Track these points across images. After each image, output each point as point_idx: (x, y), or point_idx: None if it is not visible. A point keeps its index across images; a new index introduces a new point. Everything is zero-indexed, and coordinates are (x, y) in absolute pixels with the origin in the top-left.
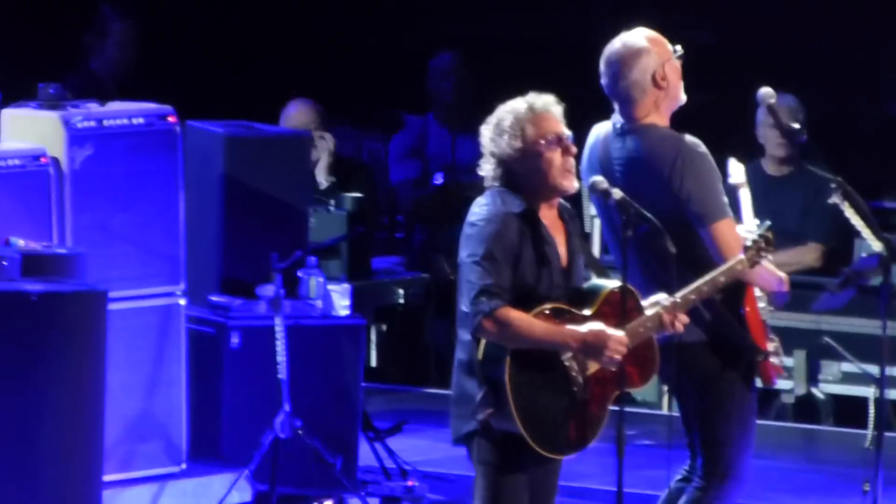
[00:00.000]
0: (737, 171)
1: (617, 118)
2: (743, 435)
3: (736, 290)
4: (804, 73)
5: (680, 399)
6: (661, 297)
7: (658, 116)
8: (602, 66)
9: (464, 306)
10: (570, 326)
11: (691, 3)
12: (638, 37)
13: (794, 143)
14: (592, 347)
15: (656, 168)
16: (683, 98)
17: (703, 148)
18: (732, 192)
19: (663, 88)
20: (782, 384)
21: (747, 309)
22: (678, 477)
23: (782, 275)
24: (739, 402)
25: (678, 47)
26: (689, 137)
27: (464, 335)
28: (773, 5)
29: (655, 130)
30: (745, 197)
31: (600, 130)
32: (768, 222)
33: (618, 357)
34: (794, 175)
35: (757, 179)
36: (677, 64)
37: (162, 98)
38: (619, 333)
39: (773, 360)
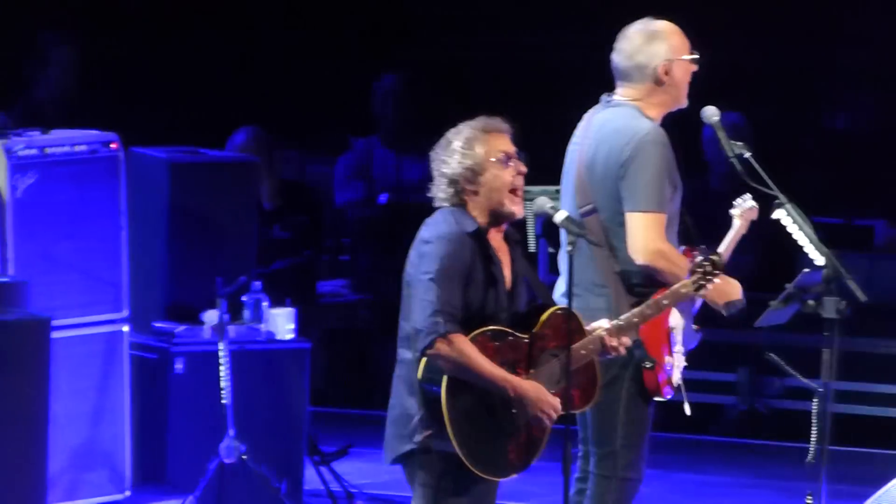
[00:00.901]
0: (742, 204)
1: (610, 95)
2: (634, 436)
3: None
4: (747, 90)
5: None
6: (604, 321)
7: (649, 106)
8: (617, 42)
9: (416, 323)
10: (509, 359)
11: (630, 19)
12: (660, 24)
13: (738, 160)
14: (528, 404)
15: (615, 142)
16: (684, 102)
17: (663, 140)
18: (730, 220)
19: (664, 83)
20: (725, 399)
21: None
22: (577, 475)
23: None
24: (629, 404)
25: (695, 52)
26: (657, 127)
27: (405, 353)
28: (714, 22)
29: (634, 110)
30: (735, 228)
31: (597, 106)
32: (719, 248)
33: (547, 422)
34: (739, 191)
35: (702, 196)
36: (689, 67)
37: (105, 125)
38: (555, 400)
39: (671, 373)
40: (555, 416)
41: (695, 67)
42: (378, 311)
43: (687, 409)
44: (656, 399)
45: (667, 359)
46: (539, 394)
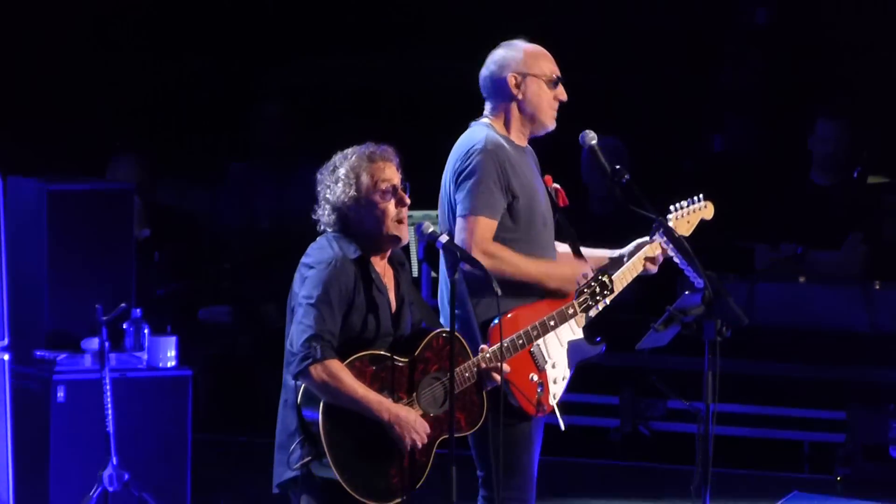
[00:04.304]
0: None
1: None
2: (512, 456)
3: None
4: (626, 113)
5: None
6: (485, 346)
7: (505, 125)
8: None
9: (292, 347)
10: (389, 384)
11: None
12: (520, 41)
13: (617, 184)
14: (400, 428)
15: (452, 160)
16: (549, 125)
17: (493, 147)
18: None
19: (516, 98)
20: (608, 422)
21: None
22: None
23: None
24: (497, 422)
25: (557, 75)
26: (491, 136)
27: (288, 379)
28: (593, 47)
29: (482, 128)
30: (642, 252)
31: None
32: (606, 269)
33: (417, 445)
34: (618, 215)
35: (583, 221)
36: (548, 90)
37: None
38: (424, 425)
39: (542, 390)
40: (422, 441)
41: (557, 91)
42: (259, 338)
43: (561, 425)
44: (534, 416)
45: (532, 376)
46: (409, 418)
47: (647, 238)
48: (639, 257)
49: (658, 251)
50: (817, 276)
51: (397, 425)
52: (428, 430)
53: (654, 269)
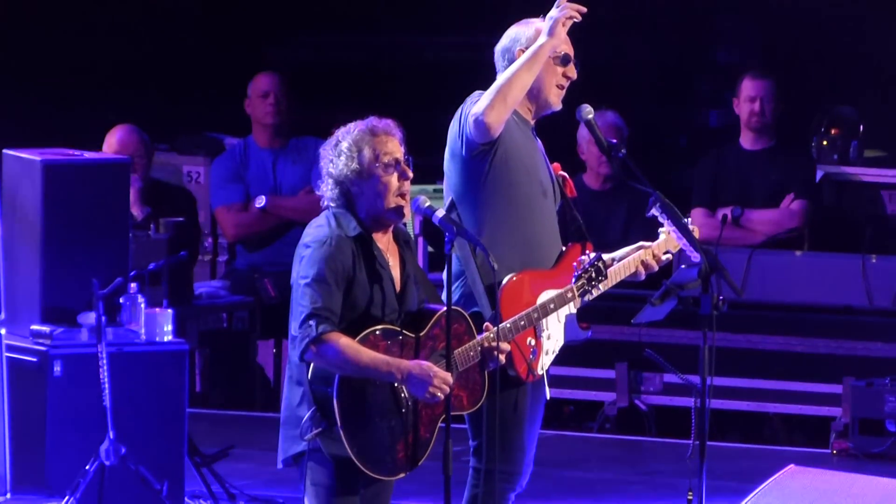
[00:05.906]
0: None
1: None
2: (501, 426)
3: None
4: (622, 88)
5: None
6: (489, 324)
7: None
8: None
9: (293, 330)
10: (397, 357)
11: (509, 21)
12: (536, 20)
13: (613, 158)
14: (417, 381)
15: (449, 131)
16: (553, 103)
17: (476, 98)
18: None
19: None
20: (605, 395)
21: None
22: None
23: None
24: (491, 392)
25: (566, 53)
26: (476, 94)
27: (293, 355)
28: (591, 21)
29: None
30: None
31: None
32: (602, 255)
33: (440, 395)
34: (616, 189)
35: (579, 194)
36: (555, 67)
37: None
38: (445, 373)
39: (535, 357)
40: (447, 388)
41: (567, 69)
42: (256, 313)
43: (547, 394)
44: (524, 381)
45: (530, 341)
46: (425, 369)
47: (645, 242)
48: (634, 258)
49: (652, 258)
50: (818, 249)
51: (410, 382)
52: (448, 377)
53: (643, 274)
